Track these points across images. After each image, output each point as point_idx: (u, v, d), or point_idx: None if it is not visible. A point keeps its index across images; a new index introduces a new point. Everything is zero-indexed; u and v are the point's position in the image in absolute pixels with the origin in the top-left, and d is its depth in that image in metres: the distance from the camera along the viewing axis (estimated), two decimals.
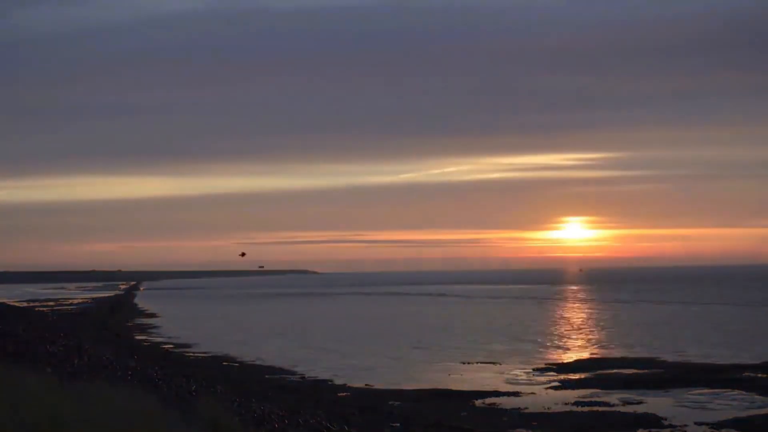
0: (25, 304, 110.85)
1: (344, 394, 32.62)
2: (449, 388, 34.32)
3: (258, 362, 44.60)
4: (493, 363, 42.88)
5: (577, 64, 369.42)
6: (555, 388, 33.80)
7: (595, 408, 28.85)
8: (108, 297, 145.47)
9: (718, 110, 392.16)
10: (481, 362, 43.28)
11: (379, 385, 35.49)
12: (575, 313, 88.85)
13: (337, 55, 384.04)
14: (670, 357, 44.29)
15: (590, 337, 58.63)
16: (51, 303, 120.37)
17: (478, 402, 30.41)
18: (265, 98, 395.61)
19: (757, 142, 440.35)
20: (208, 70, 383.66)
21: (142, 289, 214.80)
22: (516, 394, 32.27)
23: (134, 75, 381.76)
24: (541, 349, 50.03)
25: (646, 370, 38.74)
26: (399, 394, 32.64)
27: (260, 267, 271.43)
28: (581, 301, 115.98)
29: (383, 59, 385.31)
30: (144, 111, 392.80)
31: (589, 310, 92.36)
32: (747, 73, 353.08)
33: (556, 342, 54.83)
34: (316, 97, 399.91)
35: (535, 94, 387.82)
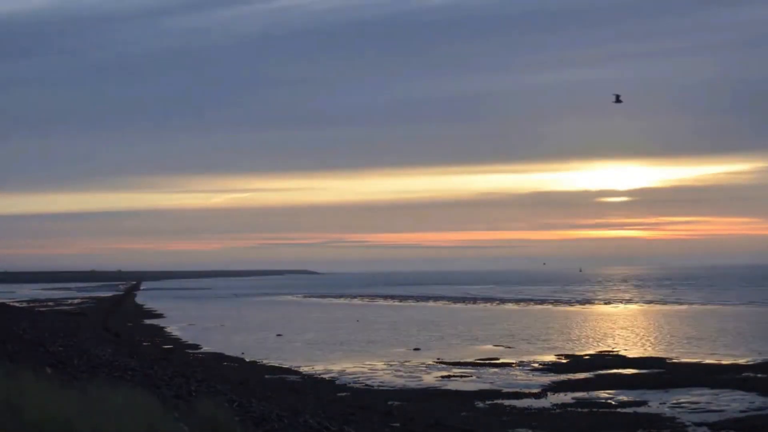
0: (25, 304, 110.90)
1: (344, 394, 32.60)
2: (449, 388, 34.34)
3: (258, 362, 44.59)
4: (494, 363, 42.89)
5: None
6: (555, 388, 33.76)
7: (595, 408, 28.86)
8: (108, 297, 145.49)
9: None
10: (482, 362, 43.28)
11: (379, 385, 35.53)
12: (577, 313, 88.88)
13: None
14: (670, 357, 44.31)
15: (593, 337, 58.67)
16: (51, 303, 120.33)
17: (479, 402, 30.41)
18: None
19: None
20: None
21: (141, 289, 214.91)
22: (516, 394, 32.27)
23: None
24: (541, 349, 50.01)
25: (646, 370, 38.76)
26: (399, 394, 32.66)
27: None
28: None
29: None
30: None
31: (595, 311, 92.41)
32: None
33: (557, 342, 54.82)
34: None
35: None
